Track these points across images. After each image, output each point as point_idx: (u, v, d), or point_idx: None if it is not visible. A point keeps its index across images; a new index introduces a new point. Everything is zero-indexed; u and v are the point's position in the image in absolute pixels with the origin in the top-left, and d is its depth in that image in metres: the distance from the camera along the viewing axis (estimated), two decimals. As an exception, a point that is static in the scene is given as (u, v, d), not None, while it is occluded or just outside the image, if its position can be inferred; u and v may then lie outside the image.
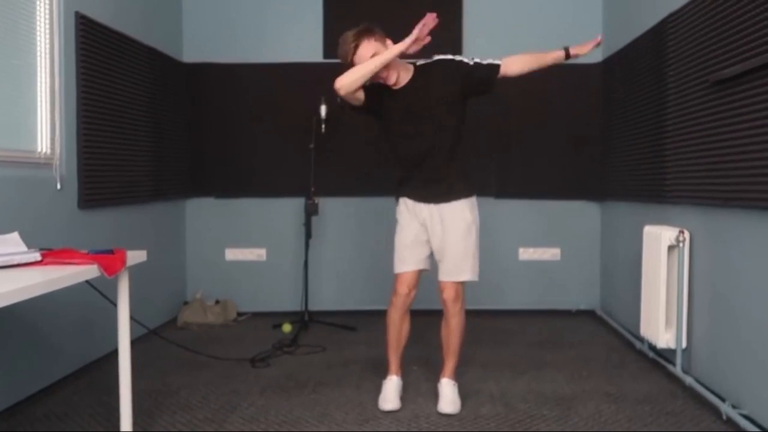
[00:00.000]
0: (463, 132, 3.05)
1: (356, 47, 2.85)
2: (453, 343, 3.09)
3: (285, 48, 5.00)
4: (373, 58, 2.83)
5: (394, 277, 3.08)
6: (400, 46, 2.82)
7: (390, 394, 3.04)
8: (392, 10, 5.04)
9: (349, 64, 2.87)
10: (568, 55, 2.99)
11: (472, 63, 2.96)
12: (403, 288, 3.04)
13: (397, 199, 3.14)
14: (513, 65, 2.97)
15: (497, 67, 2.95)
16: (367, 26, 2.90)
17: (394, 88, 2.96)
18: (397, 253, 3.07)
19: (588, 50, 3.01)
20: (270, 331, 4.49)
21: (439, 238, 3.01)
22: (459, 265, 3.01)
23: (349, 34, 2.87)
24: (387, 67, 2.86)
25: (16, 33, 3.07)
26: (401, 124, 2.99)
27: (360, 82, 2.83)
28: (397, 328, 3.11)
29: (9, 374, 2.95)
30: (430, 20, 2.76)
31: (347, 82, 2.83)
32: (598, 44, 3.03)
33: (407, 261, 3.04)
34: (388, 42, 2.92)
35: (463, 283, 3.05)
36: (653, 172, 3.77)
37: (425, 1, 5.27)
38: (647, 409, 3.00)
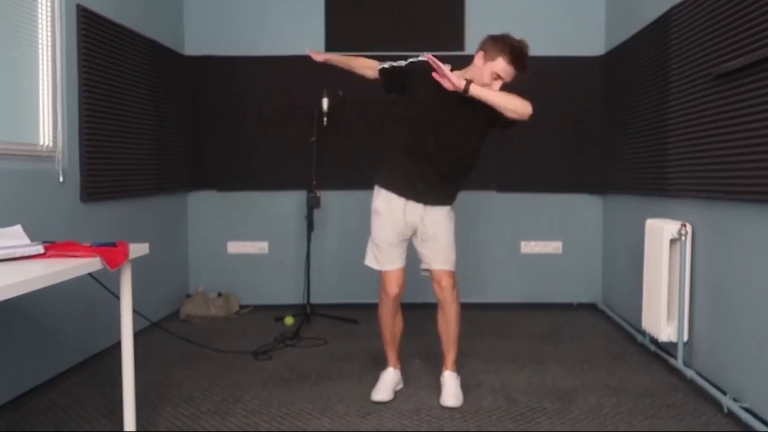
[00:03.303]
0: (480, 152, 3.05)
1: (518, 69, 2.83)
2: (452, 333, 3.10)
3: (287, 41, 4.99)
4: (338, 59, 3.22)
5: (381, 276, 3.08)
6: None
7: (383, 384, 3.06)
8: (394, 6, 5.03)
9: (509, 64, 2.82)
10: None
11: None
12: (393, 288, 3.05)
13: (377, 189, 3.09)
14: None
15: None
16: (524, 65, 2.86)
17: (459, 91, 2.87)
18: (381, 250, 3.05)
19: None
20: (272, 323, 4.50)
21: (432, 230, 3.01)
22: (450, 255, 3.05)
23: (527, 62, 2.85)
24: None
25: (18, 26, 3.07)
26: (438, 117, 2.91)
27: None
28: (390, 326, 3.13)
29: (12, 366, 2.96)
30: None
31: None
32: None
33: (396, 259, 3.05)
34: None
35: (453, 271, 3.07)
36: (655, 165, 3.77)
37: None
38: (648, 402, 3.01)
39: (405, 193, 3.01)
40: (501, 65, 2.81)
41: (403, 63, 3.03)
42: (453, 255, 3.05)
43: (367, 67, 3.12)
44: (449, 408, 2.93)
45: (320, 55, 3.27)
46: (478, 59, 2.87)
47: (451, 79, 2.75)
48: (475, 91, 2.77)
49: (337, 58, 3.27)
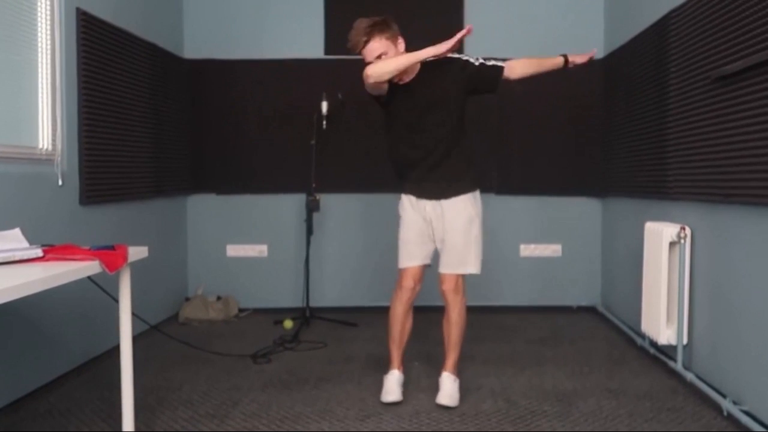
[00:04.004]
0: (464, 128, 3.08)
1: (366, 42, 2.86)
2: (454, 336, 3.10)
3: (286, 44, 5.00)
4: (409, 54, 2.84)
5: (399, 272, 3.10)
6: (433, 51, 2.80)
7: (392, 386, 3.06)
8: (393, 7, 5.04)
9: (357, 54, 2.90)
10: (566, 63, 3.08)
11: (477, 63, 3.00)
12: (409, 282, 3.06)
13: (400, 194, 3.15)
14: (516, 69, 3.02)
15: (501, 69, 2.99)
16: (382, 21, 2.90)
17: (400, 83, 2.97)
18: (402, 248, 3.09)
19: (583, 61, 3.13)
20: (271, 327, 4.50)
21: (441, 231, 3.04)
22: (459, 258, 3.03)
23: (363, 26, 2.87)
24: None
25: (18, 29, 3.07)
26: (406, 117, 3.01)
27: (391, 74, 2.84)
28: (401, 323, 3.12)
29: (11, 370, 2.96)
30: (467, 32, 2.79)
31: (379, 72, 2.83)
32: (592, 58, 3.17)
33: (414, 256, 3.06)
34: (400, 41, 2.93)
35: (463, 276, 3.07)
36: (655, 168, 3.77)
37: (426, 0, 5.21)
38: (648, 405, 3.00)
39: (414, 192, 3.07)
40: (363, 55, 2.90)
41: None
42: (464, 258, 3.04)
43: None
44: (448, 410, 2.93)
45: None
46: None
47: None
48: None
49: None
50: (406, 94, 2.98)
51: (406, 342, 3.19)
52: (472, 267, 3.06)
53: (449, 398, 2.98)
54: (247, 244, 5.11)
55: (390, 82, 2.94)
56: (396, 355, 3.16)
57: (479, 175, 3.21)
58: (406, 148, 3.04)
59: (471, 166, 3.11)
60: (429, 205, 3.05)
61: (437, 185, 3.02)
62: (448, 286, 3.05)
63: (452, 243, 3.02)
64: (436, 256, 3.12)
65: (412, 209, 3.07)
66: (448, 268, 3.05)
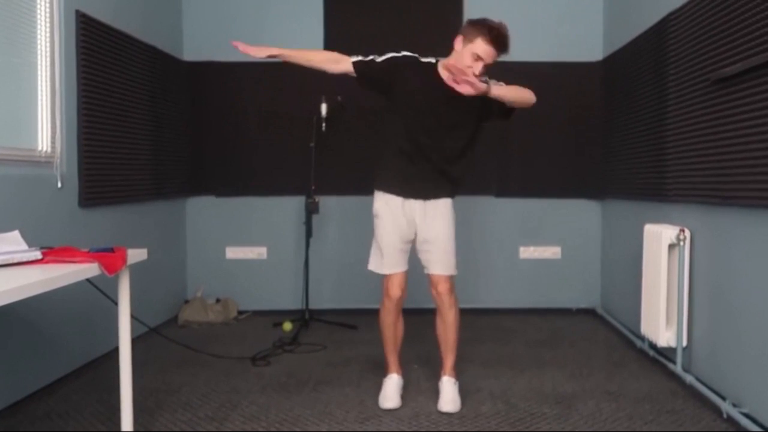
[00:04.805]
0: (476, 142, 3.04)
1: (495, 53, 2.79)
2: (451, 338, 3.09)
3: (286, 45, 4.95)
4: (279, 51, 3.02)
5: (385, 280, 3.06)
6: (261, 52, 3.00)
7: (390, 392, 3.05)
8: (392, 7, 5.05)
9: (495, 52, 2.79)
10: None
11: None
12: (397, 291, 3.03)
13: (376, 193, 3.08)
14: None
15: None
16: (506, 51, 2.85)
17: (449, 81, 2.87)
18: (387, 253, 3.02)
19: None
20: (270, 329, 4.50)
21: (433, 232, 3.00)
22: (450, 259, 3.03)
23: (508, 42, 2.80)
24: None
25: (17, 31, 3.07)
26: (429, 112, 2.91)
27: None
28: (393, 330, 3.12)
29: (10, 372, 2.95)
30: None
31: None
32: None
33: (399, 262, 3.04)
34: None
35: (453, 276, 3.06)
36: (654, 170, 3.77)
37: (425, 0, 5.23)
38: (648, 407, 3.00)
39: (403, 192, 3.00)
40: (481, 46, 2.77)
41: (379, 58, 2.95)
42: (452, 259, 3.04)
43: (330, 60, 2.98)
44: (448, 413, 2.92)
45: (261, 50, 2.98)
46: (458, 43, 2.86)
47: (475, 83, 2.70)
48: (497, 91, 2.77)
49: (288, 52, 3.01)
50: (440, 92, 2.87)
51: (401, 345, 3.18)
52: (456, 268, 3.07)
53: (452, 404, 2.97)
54: (247, 246, 5.10)
55: (422, 71, 2.90)
56: (392, 360, 3.16)
57: (479, 179, 3.21)
58: (414, 143, 2.93)
59: (464, 178, 3.08)
60: (417, 206, 3.00)
61: (431, 185, 2.98)
62: (444, 288, 3.02)
63: (442, 244, 3.00)
64: (413, 261, 3.08)
65: (396, 211, 3.00)
66: (445, 269, 3.02)
